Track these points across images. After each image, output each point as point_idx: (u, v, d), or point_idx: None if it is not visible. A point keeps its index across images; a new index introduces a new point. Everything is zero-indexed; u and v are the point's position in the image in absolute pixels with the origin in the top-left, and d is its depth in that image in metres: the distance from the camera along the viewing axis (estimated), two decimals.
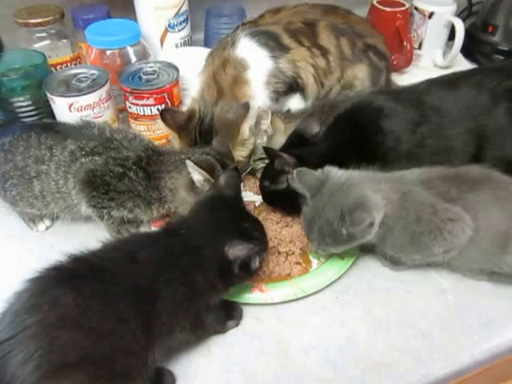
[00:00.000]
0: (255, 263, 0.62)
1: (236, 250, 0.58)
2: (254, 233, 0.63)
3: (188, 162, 0.70)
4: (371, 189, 0.65)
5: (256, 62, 0.89)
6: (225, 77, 0.87)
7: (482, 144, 0.75)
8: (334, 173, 0.68)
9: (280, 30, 0.93)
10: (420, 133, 0.75)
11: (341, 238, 0.65)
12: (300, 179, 0.69)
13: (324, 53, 0.94)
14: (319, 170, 0.69)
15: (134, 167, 0.72)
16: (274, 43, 0.91)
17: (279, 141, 0.87)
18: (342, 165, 0.71)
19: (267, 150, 0.78)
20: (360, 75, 0.97)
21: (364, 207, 0.62)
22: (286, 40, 0.92)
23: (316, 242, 0.68)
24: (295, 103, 0.96)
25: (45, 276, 0.53)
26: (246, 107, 0.82)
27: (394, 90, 0.93)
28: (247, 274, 0.62)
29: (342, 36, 0.96)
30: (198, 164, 0.69)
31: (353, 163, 0.71)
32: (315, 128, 0.80)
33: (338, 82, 0.97)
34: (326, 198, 0.66)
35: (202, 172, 0.70)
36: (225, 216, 0.63)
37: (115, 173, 0.71)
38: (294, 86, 0.93)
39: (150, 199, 0.73)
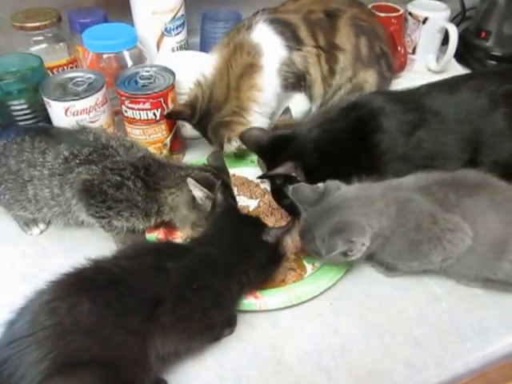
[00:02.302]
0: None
1: (274, 233, 0.65)
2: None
3: (189, 179, 0.70)
4: (360, 213, 0.64)
5: (270, 48, 0.89)
6: (235, 66, 0.87)
7: (478, 149, 0.75)
8: (333, 191, 0.67)
9: (298, 21, 0.92)
10: (417, 136, 0.75)
11: (322, 256, 0.65)
12: (294, 195, 0.69)
13: (334, 60, 0.93)
14: (322, 184, 0.69)
15: (132, 177, 0.71)
16: (290, 34, 0.90)
17: None
18: (339, 165, 0.71)
19: (263, 176, 0.81)
20: (370, 80, 0.97)
21: (340, 235, 0.62)
22: (303, 33, 0.91)
23: (310, 251, 0.70)
24: (297, 102, 0.96)
25: (66, 281, 0.55)
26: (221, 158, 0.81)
27: (394, 92, 0.93)
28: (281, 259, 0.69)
29: (363, 35, 0.95)
30: (198, 181, 0.70)
31: (349, 162, 0.71)
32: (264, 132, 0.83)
33: (349, 81, 0.96)
34: (317, 216, 0.66)
35: (203, 189, 0.70)
36: (245, 220, 0.70)
37: (112, 181, 0.70)
38: (301, 81, 0.93)
39: (148, 211, 0.73)
